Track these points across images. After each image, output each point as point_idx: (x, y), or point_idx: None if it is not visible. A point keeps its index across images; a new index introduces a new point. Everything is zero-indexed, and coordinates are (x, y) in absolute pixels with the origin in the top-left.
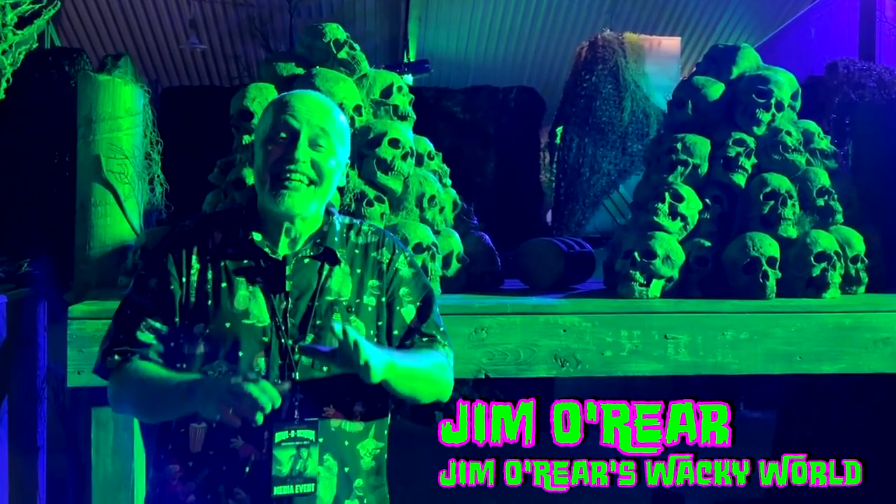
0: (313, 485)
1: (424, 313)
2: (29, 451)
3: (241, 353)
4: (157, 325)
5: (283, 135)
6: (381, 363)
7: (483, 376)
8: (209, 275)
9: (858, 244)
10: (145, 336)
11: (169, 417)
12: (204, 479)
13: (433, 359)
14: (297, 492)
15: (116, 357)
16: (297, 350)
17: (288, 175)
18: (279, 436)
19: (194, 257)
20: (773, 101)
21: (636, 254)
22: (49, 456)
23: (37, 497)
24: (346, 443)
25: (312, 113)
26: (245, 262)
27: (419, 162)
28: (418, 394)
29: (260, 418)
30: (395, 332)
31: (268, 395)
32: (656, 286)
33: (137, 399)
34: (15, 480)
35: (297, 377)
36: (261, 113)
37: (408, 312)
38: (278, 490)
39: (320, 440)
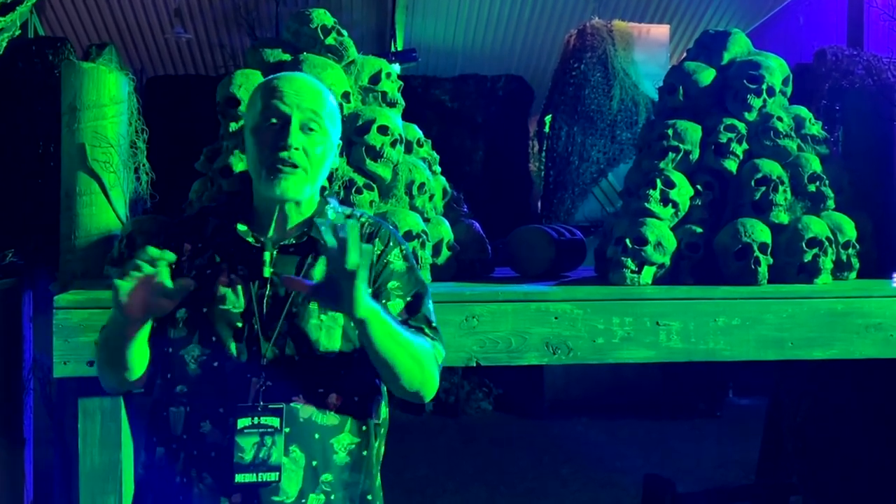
0: (277, 473)
1: (414, 308)
2: (15, 442)
3: (213, 338)
4: None
5: (273, 120)
6: (368, 299)
7: (474, 364)
8: (196, 262)
9: (850, 230)
10: None
11: (123, 349)
12: (182, 462)
13: (419, 339)
14: (259, 480)
15: None
16: (278, 280)
17: (282, 161)
18: (241, 422)
19: (188, 245)
20: (764, 86)
21: (627, 240)
22: (36, 447)
23: (23, 489)
24: (317, 435)
25: (302, 96)
26: (231, 249)
27: (408, 149)
28: (398, 362)
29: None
30: None
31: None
32: (648, 273)
33: (105, 356)
34: (1, 472)
35: (265, 362)
36: (247, 99)
37: (394, 306)
38: (240, 477)
39: (286, 430)
